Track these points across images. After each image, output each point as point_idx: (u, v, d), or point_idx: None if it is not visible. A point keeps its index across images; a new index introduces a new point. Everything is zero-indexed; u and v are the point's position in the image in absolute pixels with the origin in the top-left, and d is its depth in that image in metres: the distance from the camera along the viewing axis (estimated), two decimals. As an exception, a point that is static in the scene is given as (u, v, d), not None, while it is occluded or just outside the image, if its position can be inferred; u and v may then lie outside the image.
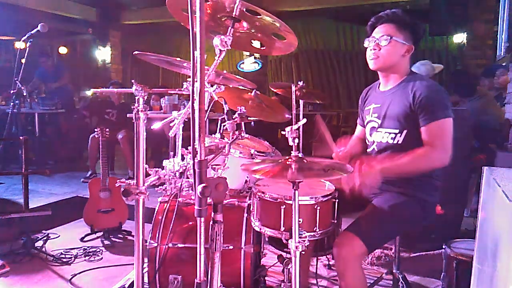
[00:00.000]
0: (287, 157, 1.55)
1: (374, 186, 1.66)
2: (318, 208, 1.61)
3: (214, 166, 1.74)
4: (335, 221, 1.73)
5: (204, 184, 0.98)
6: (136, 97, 1.70)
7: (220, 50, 1.41)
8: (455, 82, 3.82)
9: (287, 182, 1.47)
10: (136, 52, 1.72)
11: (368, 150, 1.98)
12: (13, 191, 4.53)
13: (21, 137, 3.02)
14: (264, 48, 1.74)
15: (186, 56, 1.23)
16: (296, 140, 1.52)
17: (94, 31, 7.69)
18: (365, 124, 2.02)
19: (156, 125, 2.00)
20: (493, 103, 3.80)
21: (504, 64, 4.04)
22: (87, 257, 2.93)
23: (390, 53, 1.80)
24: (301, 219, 1.52)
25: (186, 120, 1.83)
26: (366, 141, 2.02)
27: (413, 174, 1.75)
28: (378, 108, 1.92)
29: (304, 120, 1.63)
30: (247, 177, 2.13)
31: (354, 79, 8.00)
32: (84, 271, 2.72)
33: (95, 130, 3.47)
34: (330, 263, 2.72)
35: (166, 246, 1.95)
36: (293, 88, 2.01)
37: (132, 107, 1.69)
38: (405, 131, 1.79)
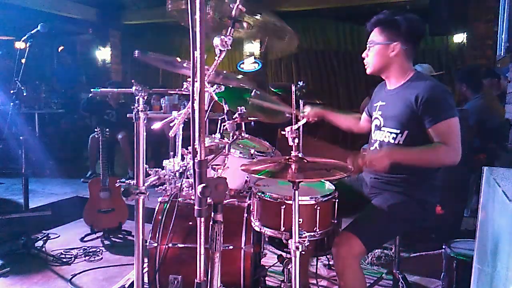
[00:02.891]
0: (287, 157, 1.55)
1: (381, 170, 1.64)
2: (318, 208, 1.61)
3: (214, 166, 1.75)
4: (335, 221, 1.73)
5: (204, 184, 0.98)
6: (136, 97, 1.70)
7: (220, 50, 1.41)
8: (468, 77, 3.82)
9: (287, 181, 1.47)
10: (136, 52, 1.72)
11: (371, 148, 1.98)
12: (13, 191, 4.53)
13: (21, 137, 3.02)
14: (263, 48, 1.74)
15: (186, 56, 1.23)
16: (296, 140, 1.52)
17: (94, 31, 7.69)
18: (372, 120, 2.03)
19: (156, 125, 2.00)
20: (497, 102, 3.80)
21: (499, 67, 4.05)
22: (87, 257, 2.93)
23: (374, 57, 1.86)
24: (301, 219, 1.52)
25: (186, 120, 1.83)
26: (369, 139, 2.02)
27: (421, 165, 1.74)
28: (383, 106, 1.94)
29: (304, 120, 1.64)
30: (247, 177, 2.13)
31: (354, 79, 7.99)
32: (84, 271, 2.72)
33: (95, 130, 3.47)
34: (330, 263, 2.72)
35: (166, 246, 1.95)
36: (293, 88, 2.02)
37: (131, 107, 1.69)
38: (406, 132, 1.79)
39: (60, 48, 7.48)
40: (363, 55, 1.92)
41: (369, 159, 1.60)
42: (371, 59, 1.88)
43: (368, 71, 1.93)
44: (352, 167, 1.57)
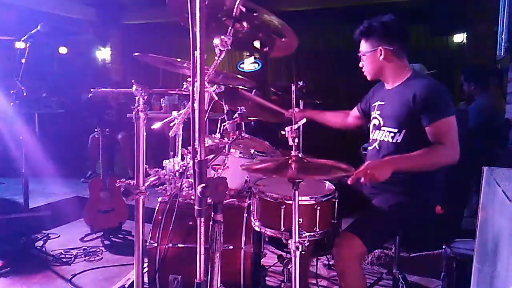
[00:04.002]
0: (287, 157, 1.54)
1: (381, 180, 1.63)
2: (318, 208, 1.60)
3: (214, 166, 1.75)
4: (335, 221, 1.73)
5: (204, 184, 0.98)
6: (136, 97, 1.70)
7: (220, 50, 1.41)
8: (477, 75, 3.81)
9: (287, 182, 1.47)
10: (136, 54, 1.72)
11: (370, 148, 1.99)
12: (13, 191, 4.53)
13: (21, 137, 3.02)
14: (266, 48, 1.74)
15: (186, 57, 1.23)
16: (296, 140, 1.52)
17: (94, 31, 7.68)
18: (370, 119, 2.04)
19: (156, 125, 2.00)
20: (503, 101, 3.81)
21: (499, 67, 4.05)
22: (87, 257, 2.93)
23: (367, 65, 1.94)
24: (301, 219, 1.52)
25: (186, 120, 1.83)
26: (369, 139, 2.03)
27: (422, 170, 1.74)
28: (381, 106, 1.95)
29: (304, 120, 1.63)
30: (247, 177, 2.13)
31: (354, 79, 7.99)
32: (84, 271, 2.72)
33: (95, 130, 3.47)
34: (330, 263, 2.72)
35: (166, 246, 1.95)
36: (293, 88, 2.02)
37: (131, 107, 1.69)
38: (404, 131, 1.80)
39: (63, 50, 7.46)
40: (360, 65, 1.99)
41: (371, 173, 1.60)
42: (366, 68, 1.96)
43: (368, 78, 2.00)
44: (352, 181, 1.59)
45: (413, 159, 1.69)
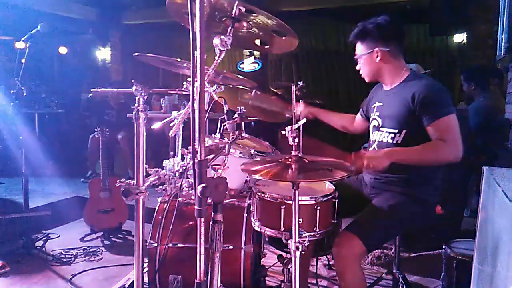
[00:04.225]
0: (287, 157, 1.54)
1: (380, 170, 1.63)
2: (318, 208, 1.60)
3: (214, 166, 1.74)
4: (335, 221, 1.73)
5: (204, 184, 0.98)
6: (136, 97, 1.70)
7: (220, 50, 1.41)
8: (477, 76, 3.81)
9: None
10: (136, 54, 1.72)
11: (370, 149, 1.99)
12: (13, 191, 4.53)
13: (20, 137, 3.02)
14: (267, 46, 1.74)
15: (187, 57, 1.23)
16: (296, 140, 1.52)
17: (94, 31, 7.69)
18: (369, 121, 2.04)
19: (156, 125, 2.00)
20: (503, 101, 3.81)
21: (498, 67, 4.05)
22: (87, 257, 2.93)
23: (364, 67, 1.94)
24: (301, 219, 1.52)
25: (186, 120, 1.83)
26: (369, 139, 2.03)
27: (422, 164, 1.74)
28: (380, 107, 1.95)
29: (304, 120, 1.63)
30: (247, 177, 2.13)
31: (354, 79, 7.99)
32: (84, 271, 2.72)
33: (95, 130, 3.47)
34: (330, 263, 2.72)
35: (166, 246, 1.95)
36: (293, 88, 2.02)
37: (131, 107, 1.69)
38: (404, 131, 1.80)
39: (63, 50, 7.46)
40: (357, 68, 1.98)
41: (369, 160, 1.60)
42: (363, 70, 1.96)
43: (366, 80, 1.99)
44: (352, 168, 1.56)
45: (413, 152, 1.69)
